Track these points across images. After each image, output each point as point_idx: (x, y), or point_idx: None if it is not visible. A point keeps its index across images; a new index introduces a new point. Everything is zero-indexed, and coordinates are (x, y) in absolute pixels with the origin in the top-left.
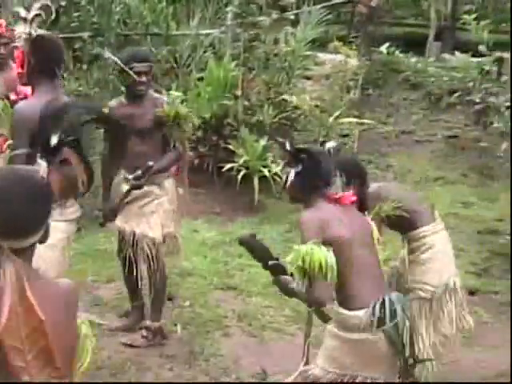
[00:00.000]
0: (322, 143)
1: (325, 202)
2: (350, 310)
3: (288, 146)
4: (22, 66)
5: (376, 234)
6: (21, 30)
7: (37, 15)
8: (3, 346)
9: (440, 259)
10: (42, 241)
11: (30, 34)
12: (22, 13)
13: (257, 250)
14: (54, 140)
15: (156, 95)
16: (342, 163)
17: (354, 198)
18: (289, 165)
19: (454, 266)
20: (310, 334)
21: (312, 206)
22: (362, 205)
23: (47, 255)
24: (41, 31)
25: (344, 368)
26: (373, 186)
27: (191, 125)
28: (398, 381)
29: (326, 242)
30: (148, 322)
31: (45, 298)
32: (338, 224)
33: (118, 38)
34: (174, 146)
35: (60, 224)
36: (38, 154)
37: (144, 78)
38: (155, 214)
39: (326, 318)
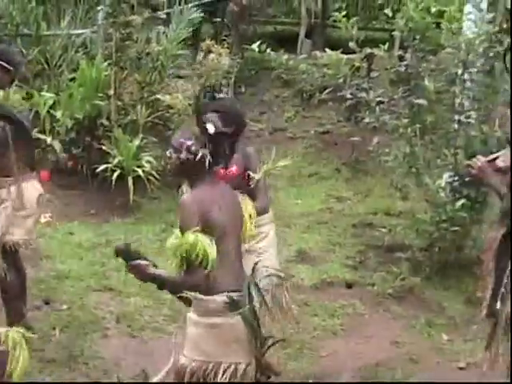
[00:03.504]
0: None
1: (208, 183)
2: (208, 294)
3: (211, 130)
4: None
5: (249, 209)
6: None
7: None
8: None
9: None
10: None
11: None
12: None
13: (129, 260)
14: None
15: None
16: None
17: (236, 172)
18: (202, 146)
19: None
20: None
21: (194, 187)
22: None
23: None
24: None
25: (208, 356)
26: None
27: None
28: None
29: (203, 227)
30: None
31: None
32: (217, 211)
33: None
34: None
35: None
36: None
37: None
38: None
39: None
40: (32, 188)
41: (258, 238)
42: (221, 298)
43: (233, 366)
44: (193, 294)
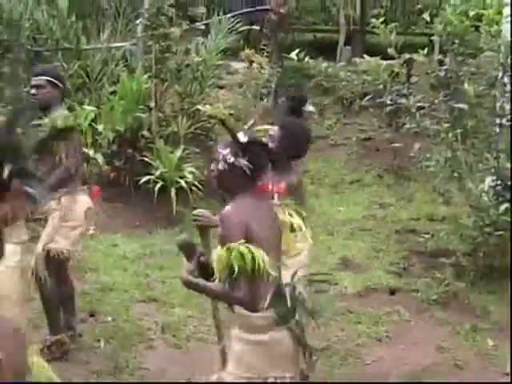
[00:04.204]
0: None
1: (249, 197)
2: (253, 311)
3: (242, 138)
4: None
5: (288, 222)
6: None
7: None
8: None
9: None
10: None
11: None
12: None
13: (190, 254)
14: (6, 172)
15: (58, 112)
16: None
17: (281, 190)
18: (236, 155)
19: None
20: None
21: (237, 201)
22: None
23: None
24: None
25: (253, 371)
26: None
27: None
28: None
29: (245, 240)
30: (46, 336)
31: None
32: (257, 225)
33: (28, 54)
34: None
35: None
36: None
37: (33, 91)
38: (46, 228)
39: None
40: (82, 201)
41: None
42: (267, 314)
43: (279, 380)
44: (238, 311)
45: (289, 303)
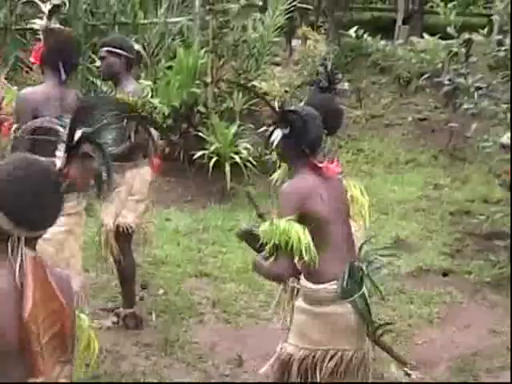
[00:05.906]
0: None
1: (308, 172)
2: (317, 283)
3: (277, 106)
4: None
5: (360, 199)
6: (40, 22)
7: (54, 9)
8: (26, 332)
9: None
10: None
11: (46, 26)
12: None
13: (253, 242)
14: (78, 134)
15: (128, 85)
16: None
17: (339, 170)
18: (276, 125)
19: None
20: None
21: (294, 176)
22: None
23: (40, 248)
24: (56, 25)
25: (315, 343)
26: None
27: (154, 113)
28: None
29: (302, 216)
30: (120, 309)
31: (59, 285)
32: (317, 199)
33: (85, 28)
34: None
35: None
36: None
37: (99, 63)
38: (112, 202)
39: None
40: (145, 174)
41: None
42: (331, 287)
43: (339, 353)
44: (303, 282)
45: (355, 277)
